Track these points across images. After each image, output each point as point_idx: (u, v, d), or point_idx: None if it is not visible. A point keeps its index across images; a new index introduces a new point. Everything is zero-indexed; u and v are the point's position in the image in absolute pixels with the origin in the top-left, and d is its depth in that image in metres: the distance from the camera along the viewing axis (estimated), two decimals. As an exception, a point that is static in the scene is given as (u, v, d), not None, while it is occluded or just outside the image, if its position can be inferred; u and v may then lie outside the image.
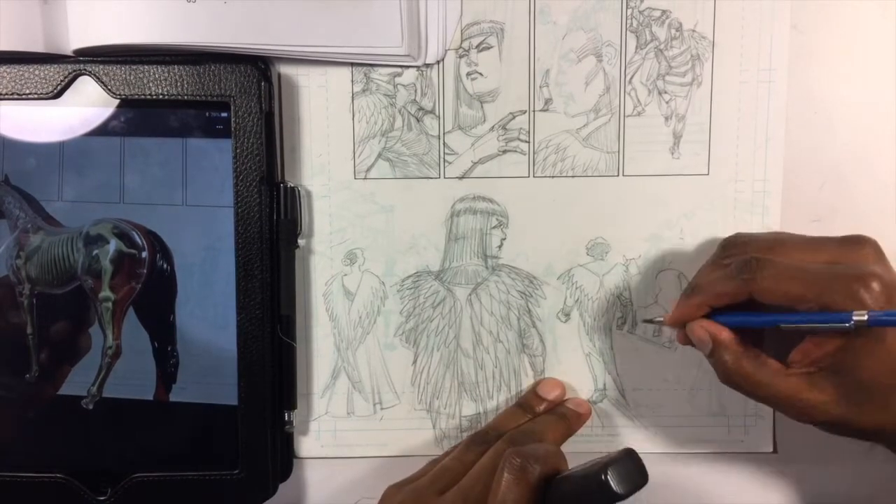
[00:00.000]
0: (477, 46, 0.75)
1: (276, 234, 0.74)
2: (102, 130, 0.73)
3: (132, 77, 0.71)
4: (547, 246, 0.78)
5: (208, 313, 0.75)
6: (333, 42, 0.72)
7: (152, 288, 0.75)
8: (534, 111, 0.76)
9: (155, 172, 0.74)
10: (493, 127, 0.76)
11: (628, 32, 0.75)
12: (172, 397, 0.76)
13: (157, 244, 0.74)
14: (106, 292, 0.74)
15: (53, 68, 0.72)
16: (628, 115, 0.76)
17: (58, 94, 0.72)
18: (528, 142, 0.76)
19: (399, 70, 0.75)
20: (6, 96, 0.72)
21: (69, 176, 0.74)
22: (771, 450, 0.80)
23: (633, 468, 0.63)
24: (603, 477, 0.62)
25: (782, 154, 0.76)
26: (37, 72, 0.71)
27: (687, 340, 0.72)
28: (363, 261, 0.78)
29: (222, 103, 0.72)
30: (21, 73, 0.71)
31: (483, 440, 0.73)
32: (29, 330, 0.75)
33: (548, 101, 0.76)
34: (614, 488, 0.61)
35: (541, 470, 0.65)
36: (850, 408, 0.65)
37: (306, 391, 0.79)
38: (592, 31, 0.75)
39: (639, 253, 0.78)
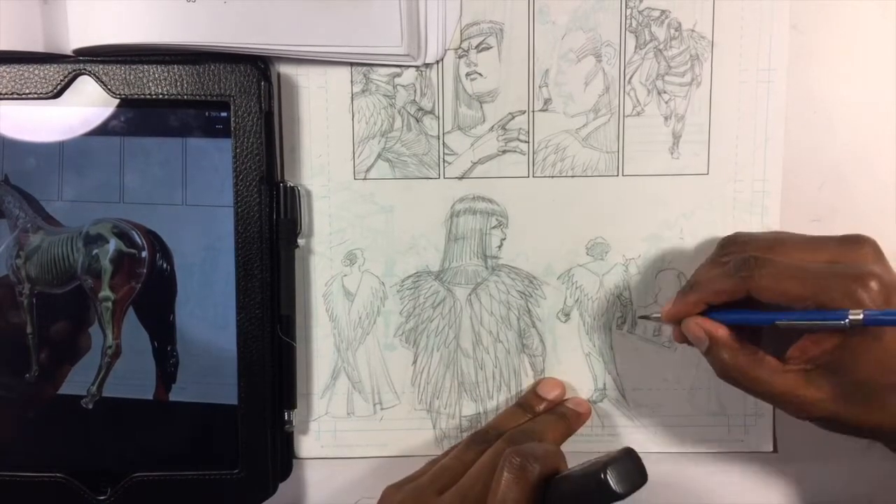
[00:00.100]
0: (476, 47, 0.75)
1: (276, 233, 0.74)
2: (102, 130, 0.73)
3: (132, 77, 0.71)
4: (547, 246, 0.78)
5: (208, 313, 0.75)
6: (333, 42, 0.72)
7: (152, 288, 0.75)
8: (533, 111, 0.76)
9: (155, 172, 0.74)
10: (492, 127, 0.76)
11: (627, 32, 0.75)
12: (172, 397, 0.76)
13: (157, 244, 0.74)
14: (106, 292, 0.74)
15: (53, 68, 0.72)
16: (628, 115, 0.76)
17: (58, 94, 0.72)
18: (528, 142, 0.76)
19: (398, 70, 0.75)
20: (6, 96, 0.72)
21: (69, 176, 0.74)
22: (771, 449, 0.80)
23: (632, 468, 0.63)
24: (602, 476, 0.62)
25: (782, 154, 0.76)
26: (37, 72, 0.71)
27: (683, 338, 0.72)
28: (363, 261, 0.78)
29: (222, 103, 0.72)
30: (21, 72, 0.71)
31: (483, 439, 0.73)
32: (29, 330, 0.75)
33: (547, 102, 0.76)
34: (613, 488, 0.61)
35: (540, 469, 0.64)
36: (847, 406, 0.65)
37: (306, 391, 0.79)
38: (592, 31, 0.75)
39: (638, 253, 0.78)
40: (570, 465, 0.67)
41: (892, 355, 0.63)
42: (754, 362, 0.68)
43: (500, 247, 0.78)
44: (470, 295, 0.78)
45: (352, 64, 0.75)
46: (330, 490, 0.81)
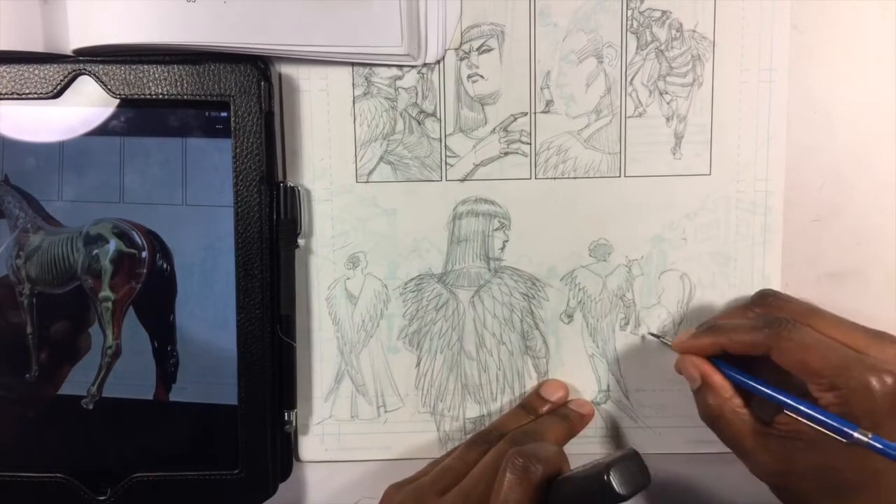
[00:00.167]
0: (477, 49, 0.75)
1: (276, 233, 0.74)
2: (102, 130, 0.73)
3: (132, 77, 0.71)
4: (549, 247, 0.78)
5: (208, 313, 0.75)
6: (333, 42, 0.72)
7: (152, 288, 0.74)
8: (535, 113, 0.76)
9: (155, 172, 0.74)
10: (494, 129, 0.76)
11: (629, 33, 0.75)
12: (172, 397, 0.75)
13: (157, 244, 0.74)
14: (106, 292, 0.74)
15: (53, 68, 0.72)
16: (629, 116, 0.76)
17: (58, 94, 0.72)
18: (530, 143, 0.76)
19: (400, 73, 0.75)
20: (6, 96, 0.72)
21: (69, 176, 0.74)
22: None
23: (635, 469, 0.63)
24: (605, 477, 0.61)
25: (784, 154, 0.76)
26: (37, 72, 0.71)
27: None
28: (366, 264, 0.78)
29: (222, 103, 0.72)
30: (21, 72, 0.71)
31: (485, 440, 0.73)
32: (29, 330, 0.75)
33: (549, 103, 0.76)
34: (616, 489, 0.61)
35: (543, 470, 0.64)
36: (812, 490, 0.66)
37: (310, 395, 0.79)
38: (593, 32, 0.75)
39: (641, 254, 0.77)
40: (573, 467, 0.67)
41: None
42: (738, 418, 0.69)
43: (502, 249, 0.78)
44: (473, 297, 0.78)
45: (352, 64, 0.75)
46: (330, 490, 0.80)
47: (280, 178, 0.75)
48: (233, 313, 0.73)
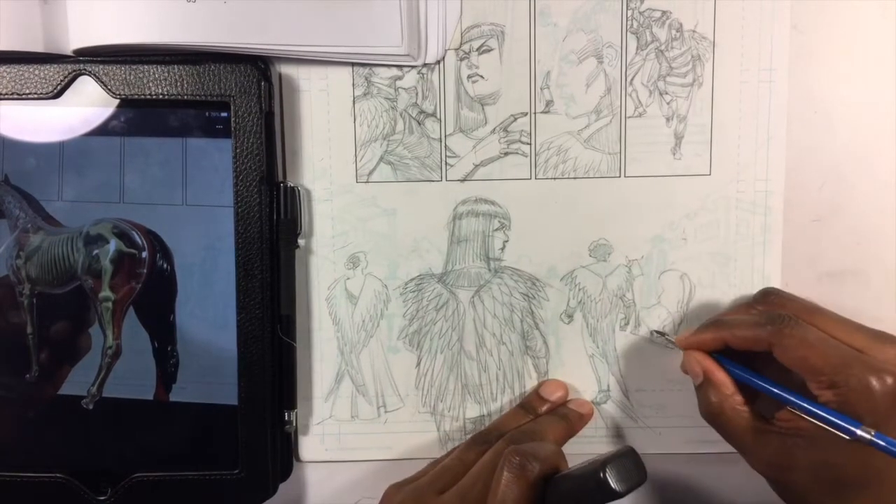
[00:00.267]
0: (477, 49, 0.75)
1: (276, 233, 0.74)
2: (102, 130, 0.73)
3: (132, 77, 0.71)
4: (549, 247, 0.78)
5: (208, 313, 0.75)
6: (333, 42, 0.72)
7: (152, 288, 0.75)
8: (535, 113, 0.76)
9: (155, 172, 0.74)
10: (494, 129, 0.76)
11: (629, 33, 0.75)
12: (172, 397, 0.76)
13: (157, 244, 0.74)
14: (106, 292, 0.74)
15: (53, 68, 0.72)
16: (629, 117, 0.76)
17: (58, 94, 0.72)
18: (530, 144, 0.76)
19: (400, 73, 0.75)
20: (6, 96, 0.72)
21: (69, 176, 0.74)
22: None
23: (631, 466, 0.63)
24: (601, 475, 0.61)
25: (784, 154, 0.76)
26: (37, 72, 0.72)
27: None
28: (366, 264, 0.78)
29: (222, 103, 0.72)
30: (21, 72, 0.71)
31: (484, 440, 0.73)
32: (29, 330, 0.75)
33: (549, 103, 0.76)
34: (613, 486, 0.61)
35: (540, 468, 0.64)
36: (810, 485, 0.66)
37: (310, 395, 0.79)
38: (593, 32, 0.75)
39: (641, 254, 0.77)
40: (571, 466, 0.67)
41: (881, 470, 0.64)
42: (739, 415, 0.69)
43: (502, 249, 0.78)
44: (473, 297, 0.78)
45: (352, 64, 0.75)
46: (330, 490, 0.80)
47: (280, 178, 0.75)
48: (233, 313, 0.73)
